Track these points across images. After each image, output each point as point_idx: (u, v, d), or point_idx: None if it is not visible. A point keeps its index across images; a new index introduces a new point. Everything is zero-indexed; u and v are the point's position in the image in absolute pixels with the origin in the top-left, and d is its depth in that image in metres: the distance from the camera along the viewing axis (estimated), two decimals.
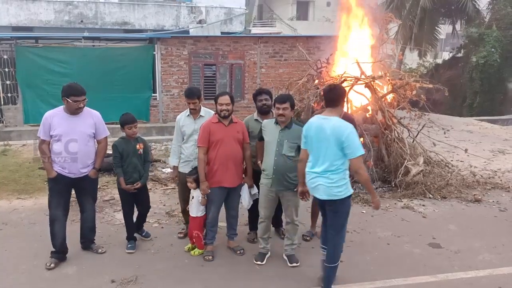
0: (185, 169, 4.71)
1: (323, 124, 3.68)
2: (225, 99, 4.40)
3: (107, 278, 4.06)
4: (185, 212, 4.88)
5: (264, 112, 4.77)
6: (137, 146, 4.55)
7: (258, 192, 4.53)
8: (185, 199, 4.80)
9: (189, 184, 4.52)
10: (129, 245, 4.67)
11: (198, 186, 4.47)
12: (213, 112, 4.64)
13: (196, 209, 4.54)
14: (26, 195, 6.47)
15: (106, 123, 4.53)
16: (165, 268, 4.31)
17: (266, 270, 4.29)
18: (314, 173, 3.73)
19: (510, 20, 18.73)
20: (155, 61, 12.72)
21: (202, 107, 4.77)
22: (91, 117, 4.33)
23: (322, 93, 3.91)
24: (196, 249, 4.60)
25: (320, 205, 3.91)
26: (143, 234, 4.93)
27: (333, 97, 3.78)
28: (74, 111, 4.19)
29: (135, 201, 4.70)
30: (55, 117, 4.18)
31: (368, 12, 8.18)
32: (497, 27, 18.54)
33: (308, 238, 4.98)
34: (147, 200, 4.82)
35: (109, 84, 11.85)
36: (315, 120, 3.81)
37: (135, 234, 4.82)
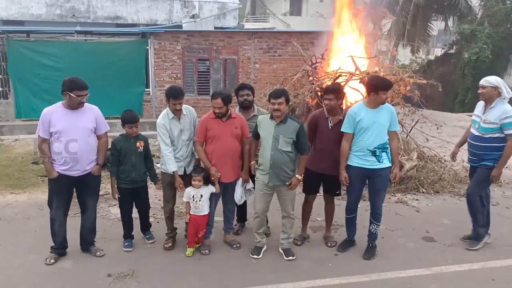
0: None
1: None
2: (217, 102, 4.24)
3: (103, 272, 4.05)
4: (170, 218, 4.67)
5: (245, 107, 4.73)
6: (137, 144, 4.42)
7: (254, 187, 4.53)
8: (173, 201, 4.68)
9: (195, 183, 4.32)
10: (126, 243, 4.60)
11: (205, 183, 4.37)
12: (192, 108, 4.58)
13: (206, 207, 4.41)
14: (19, 189, 6.42)
15: None
16: (161, 262, 4.31)
17: (262, 264, 4.32)
18: None
19: (502, 16, 18.90)
20: (148, 55, 12.64)
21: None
22: (91, 111, 4.18)
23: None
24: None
25: None
26: (147, 236, 4.79)
27: None
28: (75, 106, 4.02)
29: (134, 200, 4.61)
30: (54, 113, 3.99)
31: (363, 8, 8.20)
32: (489, 23, 18.69)
33: (299, 243, 4.76)
34: (147, 199, 4.72)
35: (101, 79, 11.68)
36: None
37: (136, 232, 4.76)
